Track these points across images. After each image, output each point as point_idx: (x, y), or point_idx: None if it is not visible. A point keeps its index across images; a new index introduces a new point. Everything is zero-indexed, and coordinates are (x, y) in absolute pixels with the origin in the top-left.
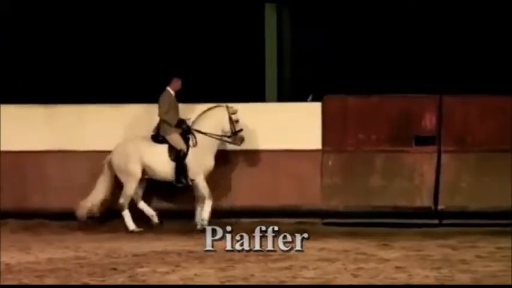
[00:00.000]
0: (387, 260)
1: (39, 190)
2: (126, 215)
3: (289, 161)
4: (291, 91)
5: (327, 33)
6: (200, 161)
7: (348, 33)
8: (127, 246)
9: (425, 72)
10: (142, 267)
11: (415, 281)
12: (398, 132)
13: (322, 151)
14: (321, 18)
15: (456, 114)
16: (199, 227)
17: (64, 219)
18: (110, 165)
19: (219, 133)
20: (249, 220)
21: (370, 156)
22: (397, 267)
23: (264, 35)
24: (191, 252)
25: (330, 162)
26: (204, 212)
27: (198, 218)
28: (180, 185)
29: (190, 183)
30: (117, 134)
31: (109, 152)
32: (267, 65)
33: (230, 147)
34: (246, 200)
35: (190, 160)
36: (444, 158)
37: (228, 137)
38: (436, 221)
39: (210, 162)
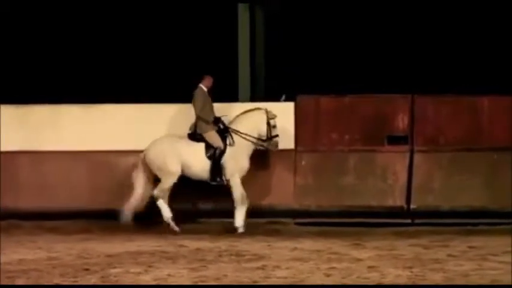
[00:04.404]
0: (360, 260)
1: (12, 191)
2: (161, 204)
3: (262, 160)
4: (264, 91)
5: (300, 33)
6: (236, 161)
7: (321, 33)
8: (100, 247)
9: (397, 72)
10: (115, 267)
11: (388, 280)
12: (371, 132)
13: (295, 151)
14: (294, 18)
15: (428, 114)
16: (240, 230)
17: (37, 219)
18: (145, 163)
19: (255, 136)
20: (222, 220)
21: (343, 156)
22: (369, 267)
23: (237, 35)
24: (164, 252)
25: (303, 162)
26: (236, 218)
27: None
28: (214, 184)
29: (225, 183)
30: (90, 133)
31: (82, 152)
32: (240, 64)
33: None
34: (219, 200)
35: (227, 159)
36: (416, 157)
37: (263, 140)
38: (409, 221)
39: (245, 164)
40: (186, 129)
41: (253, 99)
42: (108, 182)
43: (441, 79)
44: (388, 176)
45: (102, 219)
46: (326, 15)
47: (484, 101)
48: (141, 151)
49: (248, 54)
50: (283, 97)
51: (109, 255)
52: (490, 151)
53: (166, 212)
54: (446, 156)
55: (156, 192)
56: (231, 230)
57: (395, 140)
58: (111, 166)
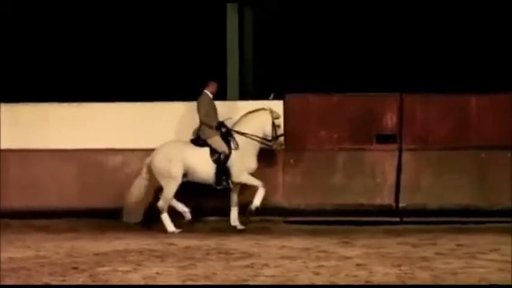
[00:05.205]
0: (348, 258)
1: (1, 189)
2: (165, 217)
3: None
4: (253, 90)
5: (289, 32)
6: (242, 163)
7: (310, 32)
8: (88, 245)
9: (385, 71)
10: (103, 266)
11: (376, 278)
12: (360, 131)
13: (284, 149)
14: (283, 18)
15: (417, 113)
16: (239, 227)
17: (25, 218)
18: (150, 168)
19: (260, 135)
20: (212, 218)
21: (332, 155)
22: (358, 265)
23: (226, 34)
24: (152, 250)
25: (291, 161)
26: (256, 198)
27: (233, 220)
28: (220, 188)
29: (231, 186)
30: (80, 132)
31: (71, 150)
32: (228, 63)
33: None
34: (208, 198)
35: (233, 163)
36: (405, 156)
37: (269, 140)
38: (397, 219)
39: (252, 164)
40: (175, 128)
41: (242, 97)
42: (97, 181)
43: (429, 78)
44: (377, 175)
45: (91, 218)
46: (315, 14)
47: (472, 100)
48: (130, 150)
49: (237, 53)
50: (272, 96)
51: (97, 254)
52: (478, 150)
53: (170, 227)
54: (435, 154)
55: (160, 204)
56: (220, 229)
57: (383, 139)
58: (100, 165)
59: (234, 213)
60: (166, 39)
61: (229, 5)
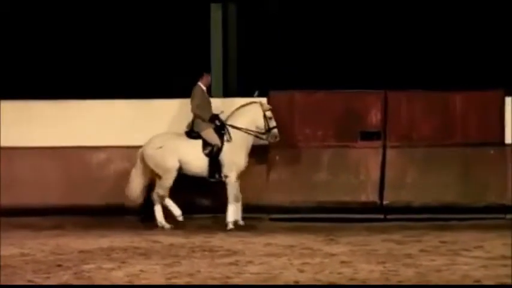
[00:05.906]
0: (333, 255)
1: None
2: (158, 209)
3: None
4: (237, 87)
5: (273, 29)
6: (234, 157)
7: (293, 30)
8: (73, 243)
9: (370, 68)
10: (87, 263)
11: (361, 275)
12: (344, 128)
13: (269, 146)
14: (266, 15)
15: (401, 110)
16: (230, 226)
17: (10, 216)
18: (143, 159)
19: (253, 129)
20: (197, 216)
21: (316, 152)
22: (342, 262)
23: (210, 32)
24: (137, 248)
25: (276, 158)
26: (228, 214)
27: (230, 216)
28: (213, 180)
29: (224, 179)
30: (62, 130)
31: (53, 148)
32: (212, 61)
33: None
34: (193, 196)
35: (225, 156)
36: (389, 153)
37: (262, 133)
38: (381, 216)
39: (243, 159)
40: (161, 125)
41: (226, 95)
42: (82, 178)
43: (414, 75)
44: (361, 172)
45: (75, 216)
46: (298, 11)
47: (456, 97)
48: (115, 147)
49: (221, 51)
50: (256, 93)
51: (82, 252)
52: (462, 147)
53: (160, 217)
54: (419, 151)
55: (156, 191)
56: (205, 226)
57: (368, 136)
58: (85, 162)
59: (231, 208)
60: (151, 37)
61: (212, 5)
